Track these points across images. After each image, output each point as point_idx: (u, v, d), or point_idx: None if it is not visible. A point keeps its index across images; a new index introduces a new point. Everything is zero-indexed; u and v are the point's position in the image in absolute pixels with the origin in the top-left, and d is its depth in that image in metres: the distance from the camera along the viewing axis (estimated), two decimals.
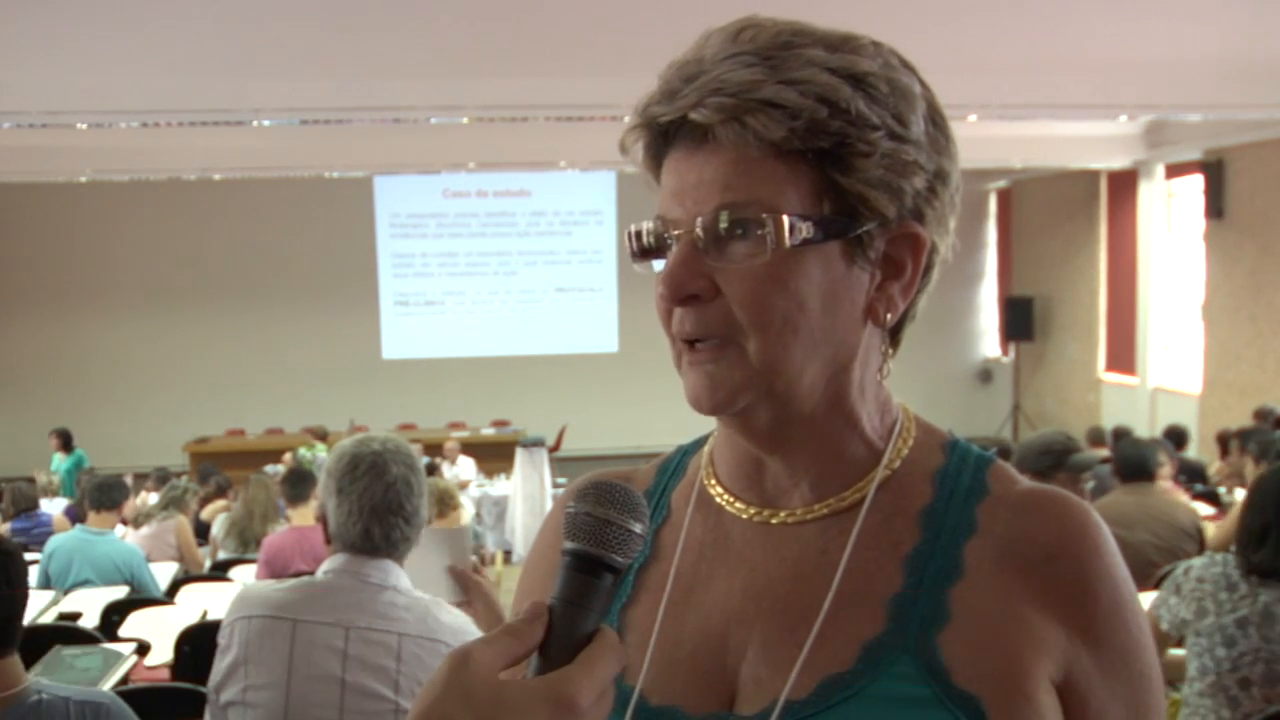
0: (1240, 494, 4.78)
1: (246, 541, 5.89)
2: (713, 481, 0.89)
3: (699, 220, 0.76)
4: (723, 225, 0.76)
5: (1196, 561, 2.67)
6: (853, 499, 0.83)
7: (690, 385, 0.79)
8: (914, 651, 0.76)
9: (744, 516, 0.86)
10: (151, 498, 7.27)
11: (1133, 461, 4.34)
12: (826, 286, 0.77)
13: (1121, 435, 7.92)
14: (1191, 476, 6.75)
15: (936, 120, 0.80)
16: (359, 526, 2.04)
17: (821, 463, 0.83)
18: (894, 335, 0.85)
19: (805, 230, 0.75)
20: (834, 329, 0.78)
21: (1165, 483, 5.12)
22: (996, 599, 0.77)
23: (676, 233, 0.78)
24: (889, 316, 0.81)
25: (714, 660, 0.82)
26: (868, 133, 0.75)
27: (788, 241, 0.75)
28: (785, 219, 0.75)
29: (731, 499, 0.87)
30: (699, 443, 0.95)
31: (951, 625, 0.77)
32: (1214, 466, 7.49)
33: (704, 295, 0.77)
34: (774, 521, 0.84)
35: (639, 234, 0.82)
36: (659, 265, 0.80)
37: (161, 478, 8.21)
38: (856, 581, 0.80)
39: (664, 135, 0.79)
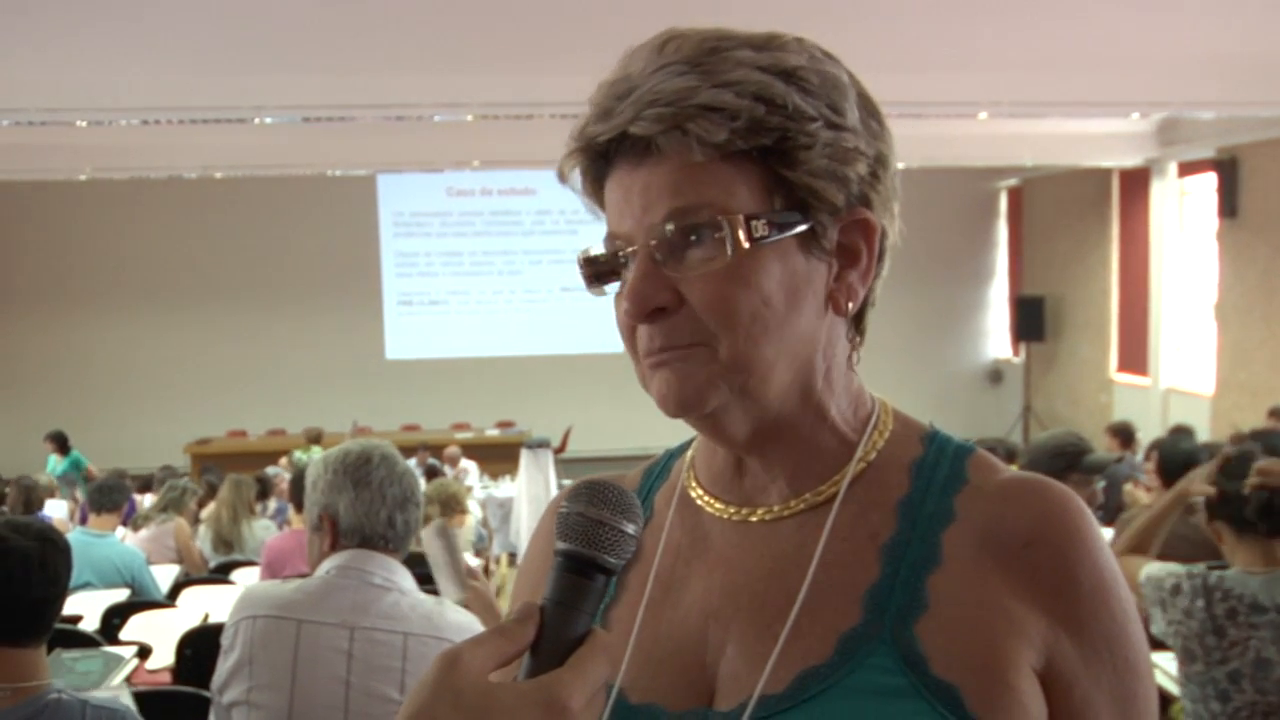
0: None
1: (230, 543, 5.83)
2: (694, 484, 0.90)
3: (652, 231, 0.77)
4: (675, 232, 0.76)
5: (1185, 583, 2.47)
6: (829, 493, 0.83)
7: (656, 386, 0.79)
8: (891, 642, 0.76)
9: (723, 516, 0.87)
10: (149, 499, 7.21)
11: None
12: (788, 281, 0.78)
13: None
14: None
15: (868, 107, 0.82)
16: (383, 515, 2.09)
17: (796, 458, 0.84)
18: (857, 324, 0.86)
19: (760, 228, 0.76)
20: (799, 322, 0.79)
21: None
22: (975, 587, 0.77)
23: (631, 249, 0.78)
24: (850, 305, 0.82)
25: (693, 658, 0.83)
26: (807, 125, 0.76)
27: (745, 241, 0.75)
28: (740, 218, 0.75)
29: (711, 500, 0.88)
30: (684, 446, 0.96)
31: (929, 614, 0.77)
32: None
33: (670, 306, 0.77)
34: (752, 520, 0.85)
35: (592, 259, 0.82)
36: (612, 289, 0.81)
37: (165, 479, 8.14)
38: (833, 574, 0.80)
39: (603, 156, 0.80)
